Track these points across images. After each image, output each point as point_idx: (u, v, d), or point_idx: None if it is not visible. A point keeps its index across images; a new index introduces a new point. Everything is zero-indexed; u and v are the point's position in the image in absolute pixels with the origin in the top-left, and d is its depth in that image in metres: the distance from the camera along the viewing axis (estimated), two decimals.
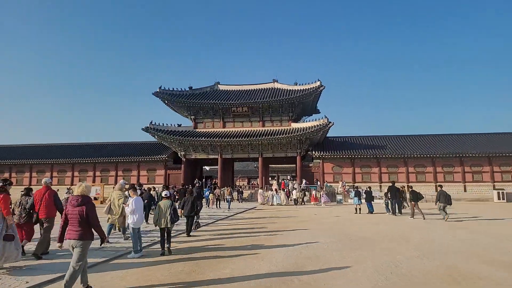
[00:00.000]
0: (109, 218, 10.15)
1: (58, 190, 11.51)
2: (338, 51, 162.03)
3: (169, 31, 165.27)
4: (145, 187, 25.23)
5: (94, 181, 38.85)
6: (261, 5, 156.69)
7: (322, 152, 36.44)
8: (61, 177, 40.08)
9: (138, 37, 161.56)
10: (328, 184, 34.65)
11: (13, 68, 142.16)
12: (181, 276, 6.40)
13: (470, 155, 34.55)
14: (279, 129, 37.20)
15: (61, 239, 5.30)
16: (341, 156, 36.15)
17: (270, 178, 48.41)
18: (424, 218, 16.31)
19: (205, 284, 5.82)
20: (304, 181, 34.85)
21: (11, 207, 7.21)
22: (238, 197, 32.67)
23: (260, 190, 32.35)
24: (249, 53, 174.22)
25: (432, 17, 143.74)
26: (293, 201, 27.13)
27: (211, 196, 26.26)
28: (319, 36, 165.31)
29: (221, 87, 42.28)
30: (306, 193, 31.82)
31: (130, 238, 8.56)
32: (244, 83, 42.35)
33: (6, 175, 41.17)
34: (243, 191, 36.59)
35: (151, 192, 18.03)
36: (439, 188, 17.69)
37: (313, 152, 36.92)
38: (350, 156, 36.15)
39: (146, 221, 13.97)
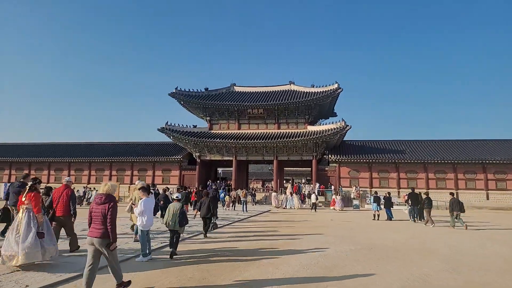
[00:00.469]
0: (131, 217, 10.08)
1: (74, 188, 11.47)
2: (356, 54, 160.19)
3: (187, 33, 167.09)
4: (161, 187, 25.25)
5: (110, 180, 39.06)
6: (279, 8, 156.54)
7: (338, 155, 35.68)
8: (78, 176, 40.61)
9: (156, 39, 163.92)
10: (343, 188, 33.90)
11: (36, 67, 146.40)
12: (190, 283, 6.05)
13: (494, 161, 33.16)
14: (295, 132, 36.67)
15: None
16: (358, 160, 35.30)
17: (284, 182, 47.77)
18: (433, 226, 16.18)
19: None
20: (317, 185, 34.30)
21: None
22: (251, 199, 32.29)
23: (274, 193, 31.92)
24: (265, 55, 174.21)
25: (459, 24, 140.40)
26: (311, 205, 26.61)
27: (227, 198, 26.10)
28: (338, 39, 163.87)
29: (237, 89, 42.07)
30: (319, 197, 31.30)
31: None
32: (260, 84, 42.04)
33: (25, 172, 42.07)
34: (256, 194, 36.23)
35: (166, 192, 17.83)
36: (450, 196, 17.27)
37: (329, 156, 36.22)
38: (367, 160, 35.26)
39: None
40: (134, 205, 8.66)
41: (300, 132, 36.38)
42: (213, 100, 38.22)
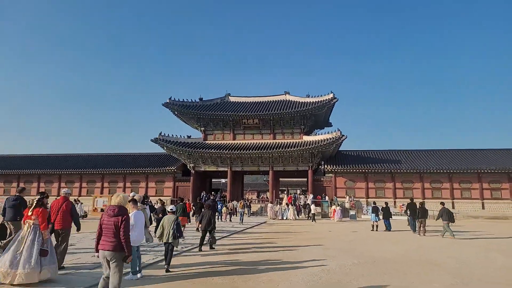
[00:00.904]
0: None
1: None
2: (351, 64, 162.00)
3: (182, 44, 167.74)
4: (153, 199, 24.65)
5: (102, 192, 38.43)
6: (274, 18, 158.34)
7: (334, 166, 35.46)
8: (68, 188, 39.71)
9: (150, 50, 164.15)
10: (338, 199, 33.58)
11: (26, 79, 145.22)
12: None
13: (489, 171, 33.20)
14: (290, 142, 36.41)
15: (97, 249, 5.16)
16: (354, 170, 35.11)
17: (280, 192, 47.32)
18: (424, 235, 16.34)
19: None
20: (311, 195, 34.03)
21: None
22: (247, 211, 31.77)
23: (270, 204, 31.45)
24: (260, 66, 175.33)
25: (448, 33, 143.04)
26: (310, 216, 26.25)
27: (224, 209, 25.66)
28: (333, 50, 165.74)
29: (231, 99, 41.88)
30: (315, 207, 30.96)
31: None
32: (255, 95, 41.91)
33: (14, 184, 41.11)
34: (251, 205, 35.70)
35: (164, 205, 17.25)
36: (441, 206, 17.30)
37: (325, 166, 36.01)
38: (363, 170, 35.08)
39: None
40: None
41: (296, 142, 36.15)
42: (207, 110, 37.93)
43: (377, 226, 19.56)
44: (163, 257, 8.48)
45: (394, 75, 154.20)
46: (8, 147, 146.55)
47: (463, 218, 31.85)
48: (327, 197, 33.97)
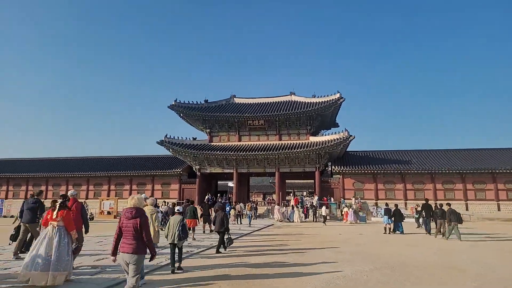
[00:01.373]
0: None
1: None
2: (358, 63, 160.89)
3: (186, 45, 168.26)
4: (163, 202, 24.17)
5: (108, 195, 38.20)
6: (279, 18, 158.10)
7: (342, 167, 34.68)
8: (76, 191, 39.38)
9: (155, 51, 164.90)
10: (346, 201, 32.84)
11: (32, 80, 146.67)
12: None
13: (504, 171, 32.11)
14: (296, 143, 35.75)
15: (114, 252, 5.20)
16: (363, 171, 34.27)
17: (286, 194, 46.63)
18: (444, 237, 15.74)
19: None
20: (316, 197, 33.40)
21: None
22: (253, 213, 31.13)
23: (277, 207, 30.79)
24: (265, 66, 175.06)
25: (456, 34, 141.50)
26: (314, 218, 25.61)
27: (232, 211, 25.14)
28: (339, 49, 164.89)
29: (237, 100, 41.38)
30: (320, 210, 30.33)
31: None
32: (261, 96, 41.35)
33: (23, 187, 41.11)
34: (257, 207, 35.05)
35: (176, 207, 16.93)
36: (447, 207, 16.79)
37: (333, 167, 35.27)
38: (372, 171, 34.23)
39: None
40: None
41: (302, 143, 35.48)
42: (213, 112, 37.48)
43: (390, 228, 18.85)
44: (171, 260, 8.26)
45: (403, 74, 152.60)
46: (16, 150, 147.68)
47: (478, 220, 30.88)
48: (332, 199, 33.24)
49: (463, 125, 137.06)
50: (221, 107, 39.38)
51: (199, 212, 20.11)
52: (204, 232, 17.26)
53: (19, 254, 9.04)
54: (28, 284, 6.20)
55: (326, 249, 12.23)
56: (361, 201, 32.82)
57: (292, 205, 30.56)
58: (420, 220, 21.46)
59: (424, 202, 20.64)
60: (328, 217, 27.82)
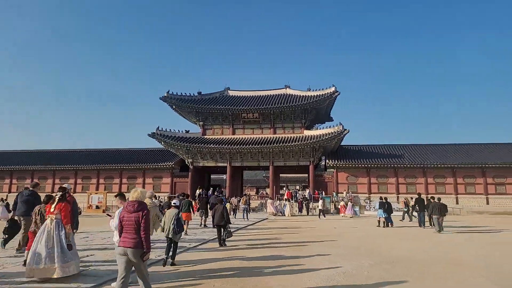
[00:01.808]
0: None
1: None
2: (352, 59, 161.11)
3: (179, 36, 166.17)
4: (160, 196, 23.79)
5: (97, 189, 37.57)
6: (274, 11, 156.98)
7: (336, 161, 34.67)
8: (63, 184, 38.74)
9: (148, 43, 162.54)
10: (338, 194, 32.92)
11: (18, 73, 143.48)
12: None
13: (493, 165, 32.50)
14: (291, 137, 35.58)
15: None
16: (356, 165, 34.33)
17: (280, 188, 46.56)
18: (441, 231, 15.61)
19: None
20: (307, 190, 33.44)
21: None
22: (248, 206, 30.98)
23: (270, 200, 30.69)
24: (260, 60, 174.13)
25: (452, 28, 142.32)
26: (308, 212, 25.62)
27: (228, 205, 24.94)
28: (333, 43, 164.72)
29: (231, 93, 40.93)
30: (314, 203, 30.42)
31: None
32: (255, 89, 40.95)
33: (7, 181, 40.16)
34: (251, 202, 34.90)
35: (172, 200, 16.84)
36: (432, 200, 17.06)
37: (327, 161, 35.26)
38: (365, 165, 34.31)
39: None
40: (110, 215, 7.30)
41: (297, 136, 35.33)
42: (206, 104, 37.00)
43: (384, 222, 18.91)
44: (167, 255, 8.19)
45: (396, 70, 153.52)
46: (0, 143, 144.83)
47: (467, 213, 31.28)
48: (324, 193, 33.23)
49: (456, 120, 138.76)
50: (215, 99, 38.90)
51: (195, 206, 20.06)
52: (201, 225, 17.30)
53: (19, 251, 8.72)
54: (33, 279, 6.14)
55: (322, 243, 12.10)
56: (353, 195, 32.88)
57: (286, 199, 30.51)
58: (415, 214, 21.63)
59: (417, 196, 20.77)
60: (324, 211, 27.90)
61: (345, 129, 32.61)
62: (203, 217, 17.57)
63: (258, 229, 17.32)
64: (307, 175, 37.38)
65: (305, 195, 33.74)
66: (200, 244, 11.52)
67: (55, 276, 6.14)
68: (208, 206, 17.69)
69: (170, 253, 8.05)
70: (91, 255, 8.89)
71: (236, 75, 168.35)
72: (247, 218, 22.49)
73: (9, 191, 39.06)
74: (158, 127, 36.09)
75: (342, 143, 37.06)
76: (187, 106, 36.74)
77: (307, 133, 35.72)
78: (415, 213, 22.52)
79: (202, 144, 35.34)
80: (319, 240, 12.84)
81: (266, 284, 6.51)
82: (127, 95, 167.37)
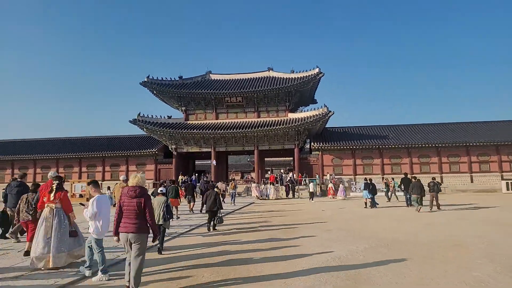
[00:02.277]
0: None
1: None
2: (335, 39, 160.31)
3: (158, 19, 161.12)
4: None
5: (80, 177, 36.36)
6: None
7: (321, 143, 34.42)
8: (44, 174, 37.23)
9: (124, 25, 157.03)
10: (319, 177, 32.86)
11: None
12: None
13: (477, 144, 32.90)
14: (275, 120, 35.06)
15: (116, 232, 5.07)
16: (341, 147, 34.20)
17: (265, 172, 46.32)
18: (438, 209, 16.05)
19: None
20: (291, 173, 33.38)
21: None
22: (235, 191, 30.61)
23: (253, 184, 30.31)
24: (242, 41, 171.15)
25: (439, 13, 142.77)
26: (309, 195, 25.52)
27: (216, 190, 24.50)
28: (316, 24, 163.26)
29: (213, 77, 39.83)
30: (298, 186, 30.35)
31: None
32: (238, 72, 39.96)
33: (23, 171, 38.36)
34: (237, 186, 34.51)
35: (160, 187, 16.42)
36: (413, 180, 17.25)
37: (312, 144, 35.02)
38: (350, 147, 34.22)
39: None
40: (83, 205, 6.79)
41: (281, 120, 34.84)
42: (188, 89, 35.88)
43: (371, 203, 18.79)
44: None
45: (378, 50, 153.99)
46: None
47: (452, 192, 31.77)
48: (307, 175, 33.08)
49: (440, 99, 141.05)
50: (197, 83, 37.78)
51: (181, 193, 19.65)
52: (190, 211, 17.00)
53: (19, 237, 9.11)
54: (33, 267, 6.22)
55: (313, 226, 11.81)
56: (336, 177, 32.85)
57: (270, 182, 30.27)
58: (399, 194, 21.70)
59: (403, 176, 20.80)
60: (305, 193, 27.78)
61: (330, 111, 32.29)
62: (192, 203, 17.50)
63: (246, 213, 16.96)
64: (292, 158, 37.13)
65: (290, 178, 33.55)
66: (191, 230, 11.52)
67: (49, 266, 6.16)
68: (195, 192, 17.46)
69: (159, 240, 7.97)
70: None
71: (218, 58, 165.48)
72: (234, 203, 22.09)
73: None
74: (140, 113, 34.93)
75: (327, 126, 36.84)
76: (168, 91, 35.57)
77: (291, 116, 35.26)
78: (398, 194, 22.79)
79: (185, 130, 34.45)
80: (309, 222, 12.57)
81: (258, 272, 6.06)
82: (107, 81, 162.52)
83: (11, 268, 6.49)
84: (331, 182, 30.14)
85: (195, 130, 34.35)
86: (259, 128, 33.59)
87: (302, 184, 31.70)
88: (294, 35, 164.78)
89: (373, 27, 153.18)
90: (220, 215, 11.52)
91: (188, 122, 36.67)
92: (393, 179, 29.49)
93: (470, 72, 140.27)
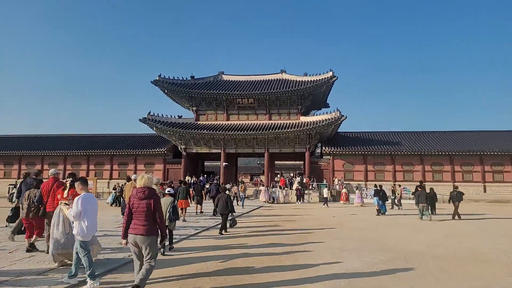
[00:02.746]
0: None
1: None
2: (350, 45, 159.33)
3: (172, 19, 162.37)
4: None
5: (87, 175, 36.41)
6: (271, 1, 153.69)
7: (332, 148, 33.93)
8: (51, 170, 37.50)
9: (138, 26, 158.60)
10: (335, 181, 32.38)
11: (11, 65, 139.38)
12: None
13: (491, 153, 32.06)
14: (287, 123, 34.66)
15: (125, 234, 4.93)
16: (353, 152, 33.65)
17: (275, 176, 45.88)
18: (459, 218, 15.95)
19: None
20: (298, 178, 33.02)
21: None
22: (245, 194, 30.24)
23: (263, 188, 29.89)
24: (256, 43, 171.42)
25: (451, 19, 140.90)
26: (323, 200, 25.03)
27: (228, 193, 24.16)
28: (332, 28, 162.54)
29: (225, 77, 39.65)
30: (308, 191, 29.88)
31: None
32: (250, 73, 39.71)
33: (37, 168, 38.78)
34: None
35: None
36: (419, 189, 17.07)
37: (323, 148, 34.54)
38: (362, 152, 33.65)
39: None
40: (67, 205, 6.37)
41: (293, 123, 34.41)
42: (199, 89, 35.73)
43: (379, 210, 18.36)
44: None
45: (395, 57, 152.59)
46: None
47: (464, 202, 30.79)
48: (315, 180, 32.55)
49: (455, 107, 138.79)
50: (209, 84, 37.62)
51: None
52: (196, 213, 16.73)
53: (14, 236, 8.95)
54: (58, 263, 6.28)
55: (324, 232, 11.41)
56: (345, 182, 32.31)
57: (279, 186, 29.81)
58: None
59: (418, 184, 20.24)
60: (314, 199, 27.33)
61: (343, 115, 31.78)
62: (199, 205, 17.34)
63: (255, 217, 16.66)
64: (302, 162, 36.68)
65: (299, 181, 33.04)
66: (201, 232, 11.47)
67: (68, 262, 6.16)
68: (204, 194, 17.22)
69: (167, 242, 7.99)
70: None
71: (230, 60, 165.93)
72: (243, 206, 21.75)
73: None
74: (150, 112, 34.89)
75: (339, 130, 36.30)
76: (179, 90, 35.47)
77: (303, 119, 34.82)
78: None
79: (196, 130, 34.27)
80: (321, 229, 12.16)
81: (266, 279, 5.70)
82: (119, 80, 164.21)
83: None
84: (345, 187, 29.61)
85: (205, 130, 34.15)
86: (270, 130, 33.24)
87: (310, 188, 31.18)
88: (307, 37, 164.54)
89: (388, 30, 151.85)
90: (233, 217, 11.47)
91: (199, 122, 36.52)
92: (399, 185, 28.95)
93: (487, 79, 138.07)
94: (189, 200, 15.05)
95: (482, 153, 32.36)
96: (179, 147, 36.12)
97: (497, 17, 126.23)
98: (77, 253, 5.39)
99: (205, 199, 22.06)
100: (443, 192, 28.47)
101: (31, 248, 7.56)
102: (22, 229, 8.67)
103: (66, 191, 6.60)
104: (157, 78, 35.19)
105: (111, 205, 22.93)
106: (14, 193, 14.91)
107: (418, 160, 33.59)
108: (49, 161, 37.99)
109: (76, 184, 5.73)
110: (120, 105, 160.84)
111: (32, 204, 7.59)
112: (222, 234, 10.94)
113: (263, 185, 32.04)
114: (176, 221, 8.79)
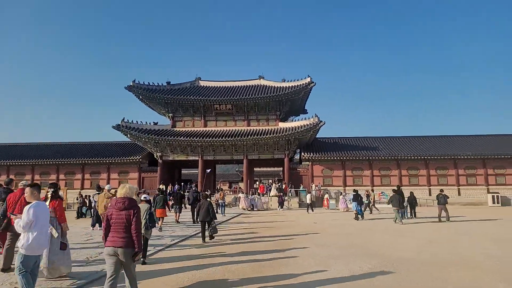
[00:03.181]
0: None
1: None
2: (327, 50, 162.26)
3: (147, 21, 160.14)
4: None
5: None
6: (246, 7, 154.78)
7: (311, 153, 33.90)
8: (18, 181, 35.13)
9: (113, 27, 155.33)
10: (313, 186, 32.26)
11: None
12: None
13: (464, 157, 32.98)
14: (265, 129, 34.37)
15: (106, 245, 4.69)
16: (332, 158, 33.74)
17: (254, 182, 45.34)
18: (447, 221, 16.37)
19: None
20: (274, 184, 32.90)
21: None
22: (225, 201, 29.52)
23: (242, 195, 29.29)
24: (233, 48, 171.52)
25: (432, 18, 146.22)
26: (307, 205, 24.65)
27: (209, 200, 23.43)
28: (309, 33, 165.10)
29: (202, 83, 39.03)
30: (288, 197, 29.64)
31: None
32: (228, 79, 39.30)
33: (10, 177, 36.15)
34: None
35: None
36: (392, 193, 17.51)
37: (302, 154, 34.42)
38: (340, 158, 33.80)
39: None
40: (15, 215, 5.45)
41: (271, 129, 34.16)
42: (176, 95, 34.92)
43: (358, 214, 18.29)
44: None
45: (370, 63, 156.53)
46: None
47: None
48: (293, 186, 32.39)
49: (430, 112, 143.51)
50: (185, 90, 36.86)
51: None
52: (177, 222, 16.26)
53: None
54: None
55: (308, 239, 11.00)
56: (322, 188, 32.33)
57: (259, 193, 29.33)
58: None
59: (395, 188, 20.33)
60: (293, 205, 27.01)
61: (321, 121, 31.85)
62: (178, 213, 16.91)
63: (236, 224, 16.13)
64: (281, 168, 36.44)
65: (279, 187, 32.73)
66: (181, 241, 11.06)
67: (42, 278, 5.85)
68: (184, 202, 16.68)
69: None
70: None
71: (208, 65, 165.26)
72: (224, 214, 21.13)
73: None
74: (124, 119, 33.70)
75: (318, 136, 36.38)
76: (155, 96, 34.53)
77: (282, 125, 34.67)
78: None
79: (172, 137, 33.37)
80: (304, 236, 11.77)
81: None
82: (90, 85, 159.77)
83: None
84: (327, 193, 29.53)
85: (182, 137, 33.31)
86: (249, 136, 32.83)
87: (288, 194, 30.89)
88: (285, 43, 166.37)
89: (363, 35, 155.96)
90: (214, 225, 11.10)
91: (175, 129, 35.62)
92: (373, 190, 29.26)
93: (470, 83, 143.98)
94: (167, 210, 14.39)
95: (456, 157, 33.21)
96: (155, 154, 35.03)
97: (497, 17, 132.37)
98: (21, 269, 4.58)
99: (185, 208, 21.27)
100: (419, 196, 28.91)
101: None
102: None
103: (47, 202, 6.20)
104: (132, 84, 34.14)
105: (77, 218, 20.39)
106: None
107: (395, 165, 34.07)
108: (16, 171, 35.85)
109: (29, 190, 5.00)
110: (92, 113, 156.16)
111: (4, 215, 7.05)
112: (205, 241, 10.69)
113: (242, 192, 31.47)
114: (152, 230, 8.37)
